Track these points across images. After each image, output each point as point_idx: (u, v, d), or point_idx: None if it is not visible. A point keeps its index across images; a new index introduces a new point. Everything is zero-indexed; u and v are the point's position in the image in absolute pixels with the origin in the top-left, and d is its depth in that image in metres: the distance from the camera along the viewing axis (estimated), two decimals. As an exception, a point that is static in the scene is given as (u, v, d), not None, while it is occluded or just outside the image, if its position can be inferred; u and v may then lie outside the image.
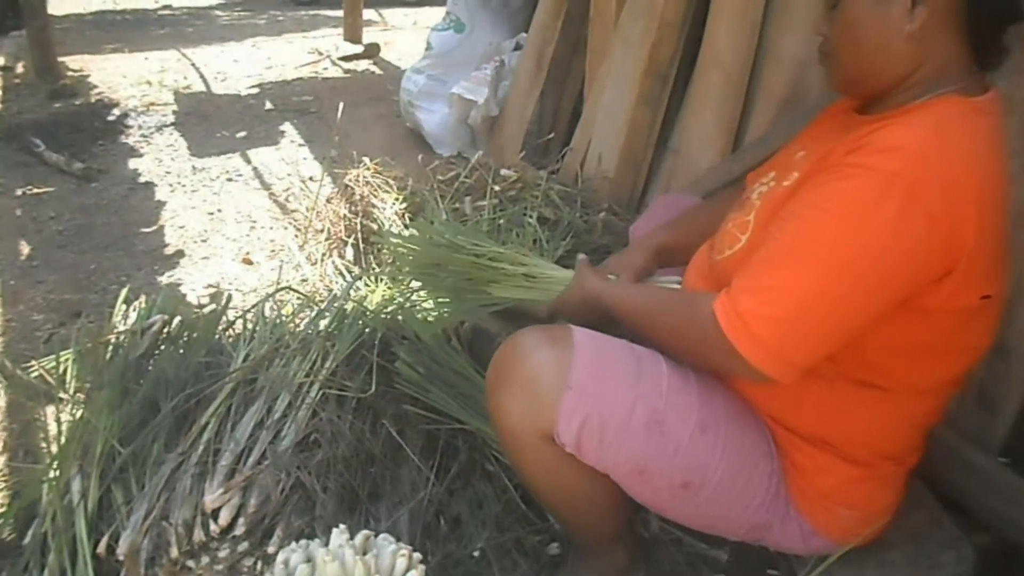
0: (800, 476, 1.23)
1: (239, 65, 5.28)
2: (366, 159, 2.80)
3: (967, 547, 1.35)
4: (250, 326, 1.70)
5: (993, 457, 1.55)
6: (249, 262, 2.64)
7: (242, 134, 3.99)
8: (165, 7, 7.19)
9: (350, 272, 2.41)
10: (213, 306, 1.87)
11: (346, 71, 5.31)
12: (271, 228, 2.99)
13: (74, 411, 1.60)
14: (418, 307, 1.93)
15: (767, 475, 1.22)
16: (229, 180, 3.43)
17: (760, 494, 1.22)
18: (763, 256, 1.06)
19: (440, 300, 1.70)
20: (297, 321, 1.78)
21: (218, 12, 7.23)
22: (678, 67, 2.53)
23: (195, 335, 1.66)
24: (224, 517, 1.21)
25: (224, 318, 1.75)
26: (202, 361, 1.52)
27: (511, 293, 1.48)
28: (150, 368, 1.57)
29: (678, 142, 2.49)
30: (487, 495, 1.56)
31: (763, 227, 1.15)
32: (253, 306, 1.78)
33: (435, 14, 7.66)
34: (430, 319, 1.71)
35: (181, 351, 1.58)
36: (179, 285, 2.56)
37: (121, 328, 1.69)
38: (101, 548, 1.31)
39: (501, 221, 2.29)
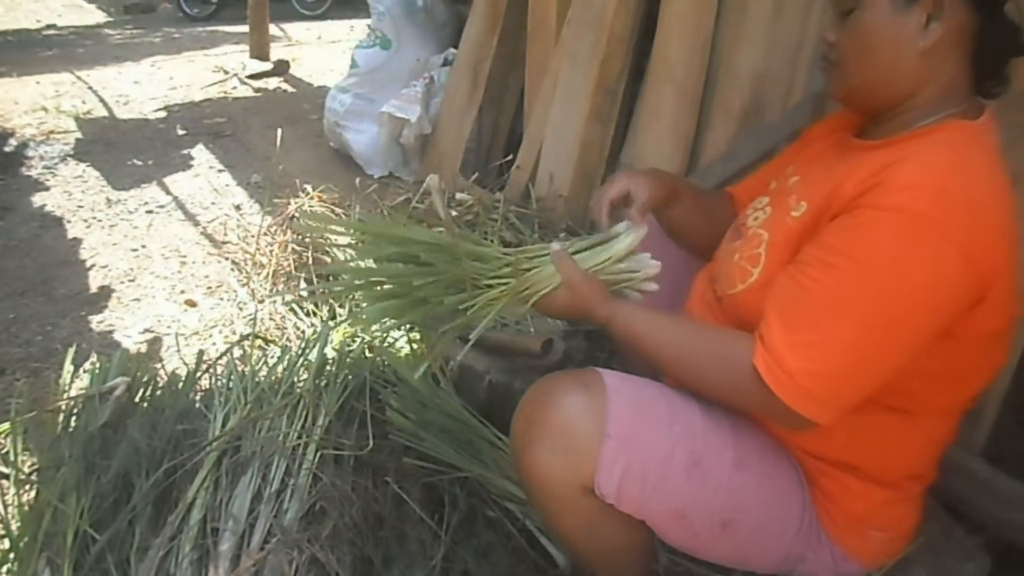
0: (831, 503, 1.21)
1: (141, 87, 5.00)
2: (308, 186, 2.67)
3: (983, 556, 1.37)
4: (221, 381, 1.56)
5: (980, 460, 1.58)
6: (193, 304, 2.46)
7: (155, 161, 3.75)
8: (50, 27, 6.75)
9: (303, 309, 2.28)
10: (183, 365, 1.70)
11: (256, 90, 5.11)
12: (204, 263, 2.80)
13: (27, 490, 1.43)
14: (393, 341, 1.83)
15: (800, 505, 1.20)
16: (149, 212, 3.21)
17: (794, 525, 1.20)
18: (797, 307, 1.03)
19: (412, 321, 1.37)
20: (269, 371, 1.64)
21: (108, 31, 6.85)
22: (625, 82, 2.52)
23: (160, 395, 1.50)
24: (238, 608, 1.09)
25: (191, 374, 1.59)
26: (178, 428, 1.37)
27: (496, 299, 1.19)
28: (114, 437, 1.41)
29: (631, 157, 2.47)
30: (492, 543, 1.48)
31: (778, 263, 1.12)
32: (219, 356, 1.63)
33: (339, 28, 7.52)
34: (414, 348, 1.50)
35: (151, 417, 1.42)
36: (111, 331, 2.36)
37: (74, 392, 1.52)
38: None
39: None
